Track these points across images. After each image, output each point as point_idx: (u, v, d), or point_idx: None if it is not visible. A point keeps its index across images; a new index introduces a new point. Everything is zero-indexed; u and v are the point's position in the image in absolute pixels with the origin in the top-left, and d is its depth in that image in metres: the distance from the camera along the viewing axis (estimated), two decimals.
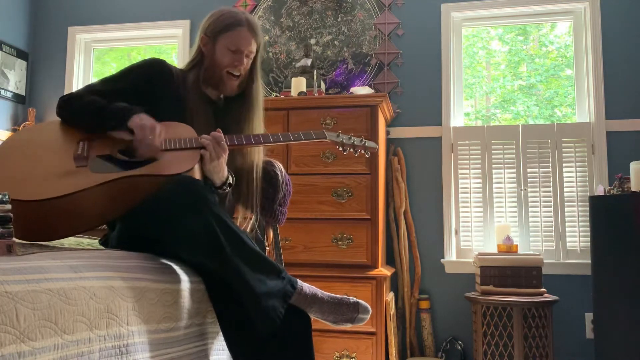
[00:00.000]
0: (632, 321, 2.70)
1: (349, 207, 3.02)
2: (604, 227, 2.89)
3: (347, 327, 1.67)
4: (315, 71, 3.40)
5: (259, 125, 1.94)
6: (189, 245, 1.54)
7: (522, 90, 3.81)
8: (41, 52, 4.22)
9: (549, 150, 3.41)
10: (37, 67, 4.22)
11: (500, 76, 3.91)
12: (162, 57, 1.98)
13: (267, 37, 3.80)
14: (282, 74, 3.75)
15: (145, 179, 1.60)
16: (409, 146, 3.56)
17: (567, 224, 3.35)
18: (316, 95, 3.29)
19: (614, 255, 2.81)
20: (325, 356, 2.89)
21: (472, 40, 3.89)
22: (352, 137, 1.91)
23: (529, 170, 3.42)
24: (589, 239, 3.14)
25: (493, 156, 3.48)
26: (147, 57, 1.98)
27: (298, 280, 1.62)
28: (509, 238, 3.16)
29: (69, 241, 1.82)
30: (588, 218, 3.15)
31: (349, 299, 1.62)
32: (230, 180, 1.80)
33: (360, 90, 3.30)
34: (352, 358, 2.88)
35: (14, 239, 1.24)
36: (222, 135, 1.72)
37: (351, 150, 1.91)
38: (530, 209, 3.39)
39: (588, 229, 3.18)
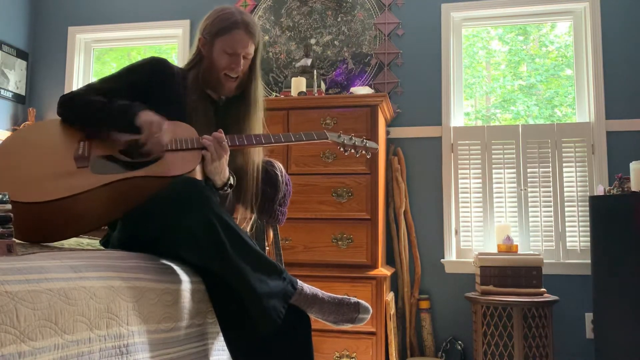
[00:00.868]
0: (632, 321, 2.70)
1: (349, 207, 3.02)
2: (604, 227, 2.89)
3: (348, 327, 1.67)
4: (315, 71, 3.40)
5: (258, 125, 1.93)
6: (190, 246, 1.54)
7: (522, 90, 3.81)
8: (41, 52, 4.22)
9: (549, 150, 3.41)
10: (37, 67, 4.22)
11: (500, 76, 3.91)
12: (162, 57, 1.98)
13: (267, 37, 3.80)
14: (282, 74, 3.75)
15: (147, 180, 1.60)
16: (409, 146, 3.56)
17: (567, 224, 3.35)
18: (316, 95, 3.29)
19: (614, 255, 2.81)
20: (325, 356, 2.89)
21: (472, 40, 3.89)
22: (354, 138, 1.91)
23: (529, 170, 3.42)
24: (589, 239, 3.14)
25: (493, 156, 3.48)
26: (148, 56, 1.97)
27: (298, 280, 1.62)
28: (509, 238, 3.16)
29: (69, 241, 1.82)
30: (588, 218, 3.15)
31: (349, 299, 1.62)
32: (232, 181, 1.80)
33: (360, 90, 3.30)
34: (352, 358, 2.88)
35: (14, 239, 1.24)
36: (224, 135, 1.72)
37: (352, 151, 1.91)
38: (530, 209, 3.39)
39: (588, 229, 3.18)
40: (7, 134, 3.90)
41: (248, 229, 1.99)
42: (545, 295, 3.00)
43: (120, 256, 1.43)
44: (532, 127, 3.48)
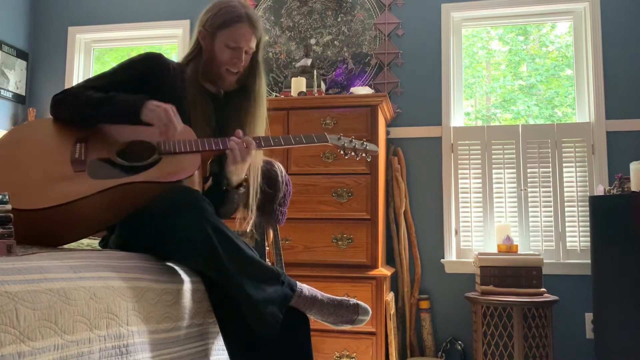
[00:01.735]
0: (632, 321, 2.70)
1: (349, 207, 3.02)
2: (604, 227, 2.89)
3: (347, 328, 1.67)
4: (315, 71, 3.40)
5: (261, 121, 1.89)
6: (185, 256, 1.53)
7: (522, 90, 3.81)
8: (41, 52, 4.22)
9: (549, 150, 3.41)
10: (37, 67, 4.22)
11: (500, 76, 3.91)
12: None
13: (267, 37, 3.80)
14: (282, 74, 3.75)
15: (147, 186, 1.56)
16: (409, 146, 3.56)
17: (567, 224, 3.35)
18: (316, 95, 3.29)
19: (614, 255, 2.81)
20: (325, 356, 2.89)
21: (472, 40, 3.88)
22: (354, 140, 1.89)
23: (529, 170, 3.42)
24: (589, 239, 3.14)
25: (493, 156, 3.48)
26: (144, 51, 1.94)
27: (297, 282, 1.62)
28: (509, 238, 3.16)
29: None
30: (588, 218, 3.15)
31: (348, 300, 1.62)
32: (248, 180, 1.80)
33: (360, 90, 3.29)
34: (352, 358, 2.88)
35: (14, 239, 1.24)
36: (253, 141, 1.70)
37: (352, 154, 1.88)
38: (530, 209, 3.39)
39: (588, 229, 3.17)
40: None
41: (248, 229, 1.99)
42: (545, 295, 3.00)
43: (120, 256, 1.42)
44: (532, 127, 3.48)
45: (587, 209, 3.18)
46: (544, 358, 2.90)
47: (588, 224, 3.17)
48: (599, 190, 3.05)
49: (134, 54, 4.45)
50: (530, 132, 3.45)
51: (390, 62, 3.64)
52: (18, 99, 4.09)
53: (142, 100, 1.68)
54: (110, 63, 4.46)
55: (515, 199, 3.42)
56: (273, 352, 1.55)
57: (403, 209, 3.44)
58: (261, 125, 1.90)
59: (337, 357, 2.90)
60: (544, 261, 3.14)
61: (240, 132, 1.72)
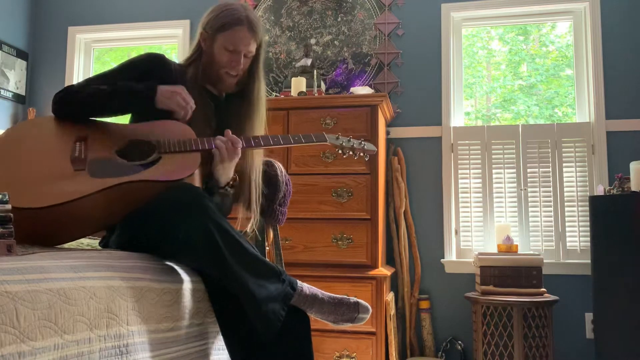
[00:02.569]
0: (632, 321, 2.70)
1: (349, 207, 3.02)
2: (604, 227, 2.89)
3: (347, 326, 1.67)
4: (315, 71, 3.40)
5: (260, 124, 1.91)
6: (188, 253, 1.53)
7: (523, 90, 3.81)
8: (41, 52, 4.22)
9: (549, 150, 3.41)
10: (37, 67, 4.22)
11: (500, 76, 3.91)
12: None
13: (267, 37, 3.80)
14: (282, 74, 3.75)
15: (147, 185, 1.56)
16: (409, 146, 3.56)
17: (567, 224, 3.35)
18: (316, 95, 3.29)
19: (614, 255, 2.81)
20: (325, 356, 2.89)
21: (472, 40, 3.89)
22: (352, 140, 1.90)
23: (529, 170, 3.42)
24: (589, 239, 3.13)
25: (493, 156, 3.48)
26: (145, 52, 1.95)
27: (298, 281, 1.62)
28: (509, 238, 3.16)
29: None
30: (588, 218, 3.15)
31: (349, 299, 1.62)
32: (235, 181, 1.80)
33: (360, 90, 3.30)
34: (352, 358, 2.88)
35: (14, 239, 1.24)
36: (240, 140, 1.71)
37: (350, 153, 1.90)
38: (530, 209, 3.39)
39: (588, 229, 3.17)
40: None
41: (248, 229, 1.99)
42: (545, 295, 3.00)
43: (120, 256, 1.42)
44: (532, 127, 3.48)
45: (587, 209, 3.18)
46: (544, 358, 2.90)
47: (588, 224, 3.17)
48: (599, 190, 3.05)
49: (134, 54, 4.47)
50: (530, 132, 3.45)
51: (390, 62, 3.64)
52: (18, 99, 4.09)
53: (154, 87, 1.71)
54: (110, 63, 4.46)
55: (515, 199, 3.42)
56: (273, 350, 1.55)
57: (403, 208, 3.44)
58: (260, 128, 1.91)
59: (337, 356, 2.90)
60: (544, 261, 3.14)
61: (229, 131, 1.73)
